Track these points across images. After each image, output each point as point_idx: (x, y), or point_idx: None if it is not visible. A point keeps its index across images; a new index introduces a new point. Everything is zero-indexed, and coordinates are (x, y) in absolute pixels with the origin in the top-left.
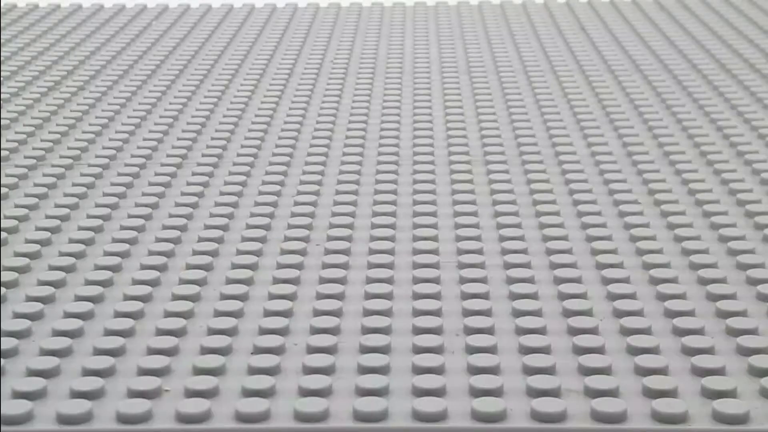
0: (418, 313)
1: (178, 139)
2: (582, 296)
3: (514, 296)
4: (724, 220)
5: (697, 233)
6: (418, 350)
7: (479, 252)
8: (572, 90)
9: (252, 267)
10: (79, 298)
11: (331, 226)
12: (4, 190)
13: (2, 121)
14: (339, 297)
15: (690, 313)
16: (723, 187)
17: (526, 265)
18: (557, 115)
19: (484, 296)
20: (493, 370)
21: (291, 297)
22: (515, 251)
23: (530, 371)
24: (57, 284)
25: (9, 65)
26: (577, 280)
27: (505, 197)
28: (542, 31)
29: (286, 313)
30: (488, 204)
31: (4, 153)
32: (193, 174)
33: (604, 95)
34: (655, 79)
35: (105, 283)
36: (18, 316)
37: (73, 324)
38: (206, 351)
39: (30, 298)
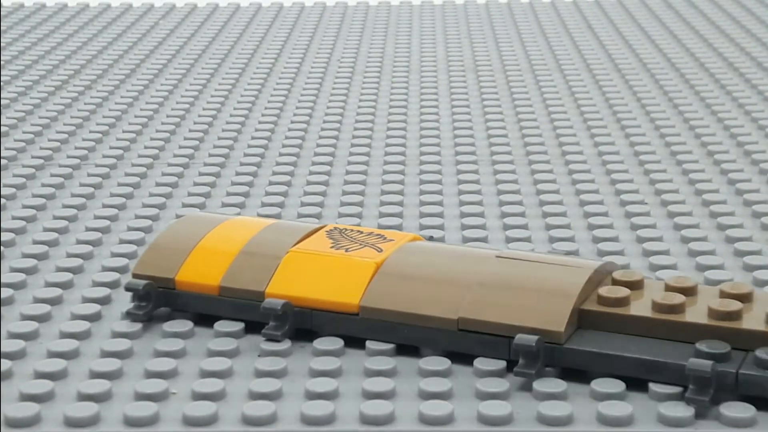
0: None
1: (185, 138)
2: None
3: None
4: (731, 220)
5: (704, 234)
6: (426, 353)
7: None
8: (579, 89)
9: None
10: (87, 300)
11: None
12: (11, 190)
13: (9, 121)
14: None
15: None
16: (730, 188)
17: None
18: (564, 115)
19: None
20: (499, 374)
21: None
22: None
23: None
24: (64, 286)
25: (16, 64)
26: None
27: (512, 197)
28: (549, 30)
29: None
30: (495, 204)
31: (11, 153)
32: (200, 174)
33: (612, 94)
34: (662, 79)
35: (112, 285)
36: (25, 317)
37: (81, 326)
38: (213, 354)
39: (37, 300)
